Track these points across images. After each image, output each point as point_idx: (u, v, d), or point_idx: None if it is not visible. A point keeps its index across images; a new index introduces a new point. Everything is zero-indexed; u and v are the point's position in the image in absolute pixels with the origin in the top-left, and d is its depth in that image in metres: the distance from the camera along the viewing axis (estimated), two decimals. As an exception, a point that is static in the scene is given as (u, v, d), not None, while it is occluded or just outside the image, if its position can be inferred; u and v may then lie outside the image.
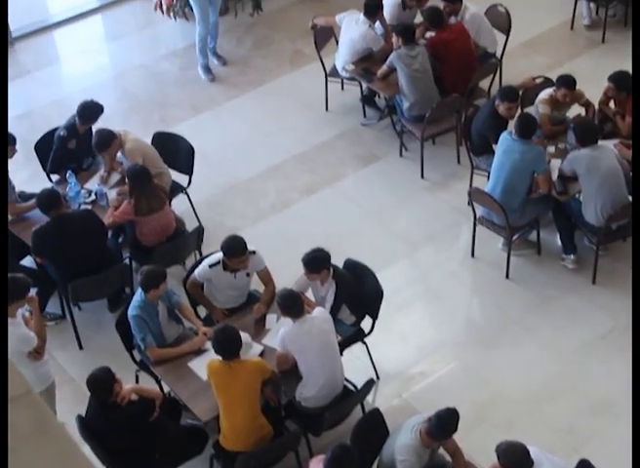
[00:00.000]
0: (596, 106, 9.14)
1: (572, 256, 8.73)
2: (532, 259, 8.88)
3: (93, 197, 8.41)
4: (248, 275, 7.54)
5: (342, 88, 10.47)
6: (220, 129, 10.33)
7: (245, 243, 7.23)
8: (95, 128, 8.57)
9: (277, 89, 10.84)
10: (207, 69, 10.89)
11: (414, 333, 8.31)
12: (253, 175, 9.79)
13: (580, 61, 10.74)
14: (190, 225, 8.59)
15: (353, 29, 9.79)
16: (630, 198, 8.29)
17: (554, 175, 8.53)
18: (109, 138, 8.34)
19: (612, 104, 9.11)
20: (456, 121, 9.59)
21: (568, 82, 8.81)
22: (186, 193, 8.90)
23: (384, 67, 9.45)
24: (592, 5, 11.33)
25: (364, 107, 10.26)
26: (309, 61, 10.77)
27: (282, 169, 9.88)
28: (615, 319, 8.28)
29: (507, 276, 8.66)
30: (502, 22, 10.24)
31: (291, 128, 10.26)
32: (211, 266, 7.45)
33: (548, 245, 8.89)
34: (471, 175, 9.15)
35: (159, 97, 10.88)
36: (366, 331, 7.62)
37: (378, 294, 7.49)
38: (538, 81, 9.44)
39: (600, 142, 8.41)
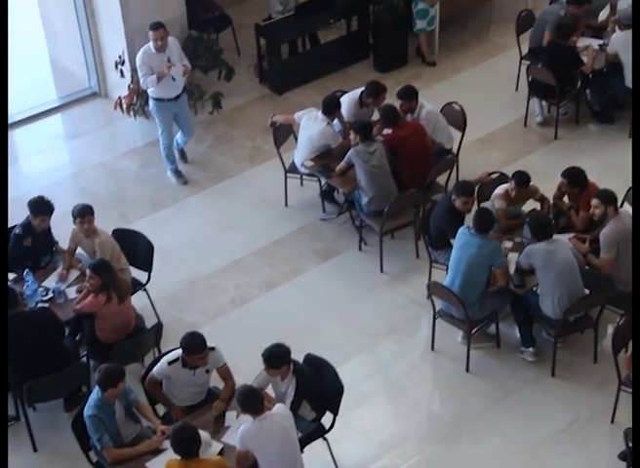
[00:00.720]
0: (551, 201, 9.24)
1: (531, 349, 8.73)
2: (491, 352, 8.86)
3: (50, 295, 8.30)
4: (207, 372, 7.45)
5: (302, 184, 10.54)
6: (180, 225, 10.31)
7: (204, 339, 7.18)
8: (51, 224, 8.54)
9: (237, 185, 10.87)
10: (177, 173, 10.88)
11: (375, 428, 8.22)
12: (212, 271, 9.75)
13: (534, 157, 10.93)
14: (149, 322, 8.50)
15: (312, 126, 9.89)
16: (587, 291, 8.42)
17: (511, 269, 8.61)
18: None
19: (566, 199, 9.20)
20: (414, 215, 9.63)
21: (521, 178, 8.96)
22: (145, 290, 8.81)
23: (343, 163, 9.54)
24: (544, 103, 11.55)
25: (323, 203, 10.31)
26: (268, 158, 10.85)
27: (242, 264, 9.85)
28: (575, 411, 8.28)
29: (467, 369, 8.62)
30: (458, 120, 10.42)
31: (250, 223, 10.27)
32: (170, 363, 7.35)
33: (507, 337, 8.88)
34: (430, 269, 9.18)
35: (119, 194, 10.84)
36: (327, 426, 7.48)
37: (338, 390, 7.40)
38: (493, 176, 9.57)
39: (555, 236, 8.53)
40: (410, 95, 9.99)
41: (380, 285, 9.58)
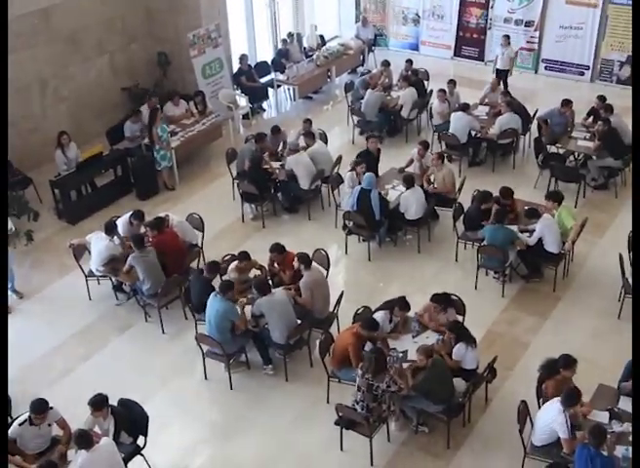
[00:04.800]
0: (266, 268, 9.36)
1: (270, 366, 8.83)
2: (245, 373, 8.86)
3: None
4: (49, 425, 7.20)
5: (99, 282, 10.19)
6: (15, 328, 9.58)
7: (46, 401, 7.03)
8: None
9: (53, 293, 10.38)
10: (15, 292, 10.23)
11: (175, 439, 8.07)
12: (44, 354, 9.24)
13: (251, 241, 11.04)
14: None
15: (99, 244, 9.74)
16: (299, 321, 8.53)
17: (248, 315, 8.61)
18: None
19: (276, 265, 9.33)
20: (179, 291, 9.51)
21: (244, 256, 9.16)
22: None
23: (127, 266, 9.44)
24: (253, 205, 11.71)
25: (116, 293, 10.09)
26: (72, 270, 10.33)
27: (63, 346, 9.37)
28: (302, 401, 8.38)
29: (231, 387, 8.61)
30: (198, 224, 10.51)
31: (69, 315, 9.81)
32: (20, 424, 7.07)
33: (254, 362, 8.91)
34: (195, 325, 9.07)
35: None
36: (141, 445, 7.40)
37: (145, 418, 7.35)
38: (226, 258, 9.66)
39: (273, 290, 8.60)
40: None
41: (163, 342, 9.43)
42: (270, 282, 9.16)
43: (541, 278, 10.02)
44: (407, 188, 10.63)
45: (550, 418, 6.87)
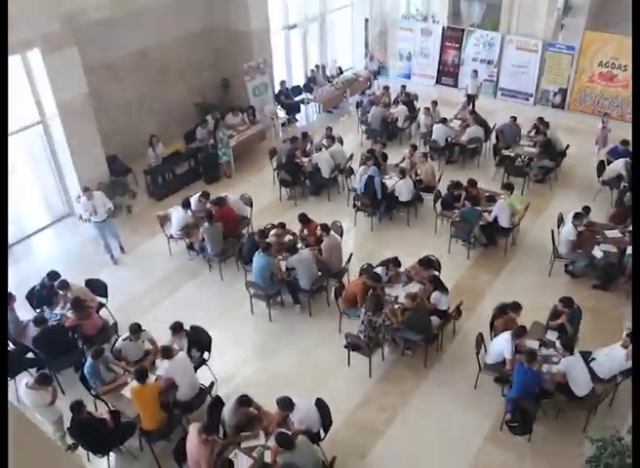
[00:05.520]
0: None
1: (298, 305, 8.57)
2: (279, 310, 8.65)
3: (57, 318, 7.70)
4: (143, 341, 7.14)
5: (177, 243, 9.99)
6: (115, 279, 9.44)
7: (140, 325, 6.95)
8: None
9: (149, 249, 10.13)
10: (112, 258, 9.87)
11: (230, 359, 7.83)
12: (146, 290, 9.17)
13: (286, 215, 10.44)
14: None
15: (177, 214, 9.58)
16: (319, 273, 8.33)
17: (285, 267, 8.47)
18: None
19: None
20: (234, 251, 9.13)
21: (282, 225, 8.86)
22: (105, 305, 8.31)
23: (200, 235, 9.22)
24: (287, 189, 11.29)
25: (189, 251, 9.81)
26: (158, 234, 10.07)
27: (152, 289, 9.28)
28: (322, 331, 8.28)
29: (270, 319, 8.45)
30: (248, 201, 10.22)
31: (154, 267, 9.61)
32: (123, 340, 7.07)
33: (286, 302, 8.71)
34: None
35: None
36: (207, 358, 7.24)
37: (209, 339, 7.20)
38: (268, 227, 9.23)
39: (301, 251, 8.42)
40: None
41: (221, 286, 9.16)
42: (300, 244, 9.03)
43: (496, 246, 9.91)
44: (400, 178, 10.52)
45: (501, 345, 6.89)
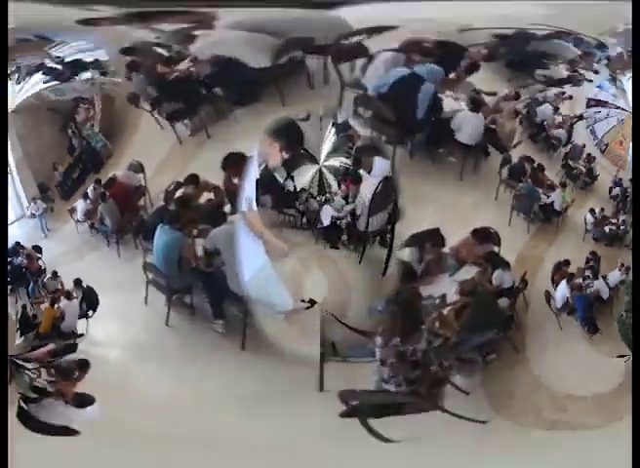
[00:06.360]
0: None
1: (221, 322, 6.25)
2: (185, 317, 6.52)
3: None
4: None
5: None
6: None
7: None
8: None
9: None
10: None
11: None
12: None
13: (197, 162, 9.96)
14: None
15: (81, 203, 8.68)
16: None
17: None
18: None
19: None
20: (130, 226, 7.76)
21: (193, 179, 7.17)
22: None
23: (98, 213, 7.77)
24: None
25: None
26: None
27: None
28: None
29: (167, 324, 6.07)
30: (137, 168, 9.87)
31: None
32: None
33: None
34: None
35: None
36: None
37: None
38: (170, 189, 8.26)
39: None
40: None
41: (118, 263, 8.21)
42: (228, 206, 6.17)
43: (550, 224, 8.94)
44: (471, 108, 9.43)
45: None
